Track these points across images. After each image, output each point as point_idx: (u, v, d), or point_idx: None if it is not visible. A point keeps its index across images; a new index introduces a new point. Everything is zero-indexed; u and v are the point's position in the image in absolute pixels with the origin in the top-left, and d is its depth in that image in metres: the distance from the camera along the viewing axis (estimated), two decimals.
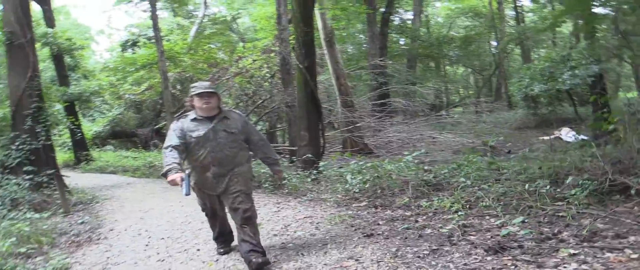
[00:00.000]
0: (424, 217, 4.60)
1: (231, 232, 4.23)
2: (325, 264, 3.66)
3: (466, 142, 10.60)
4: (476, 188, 4.90)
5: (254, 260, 3.54)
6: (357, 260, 3.64)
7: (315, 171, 7.43)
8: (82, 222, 6.22)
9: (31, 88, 9.05)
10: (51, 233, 5.35)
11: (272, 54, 13.93)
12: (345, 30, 22.15)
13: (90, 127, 23.16)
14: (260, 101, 14.78)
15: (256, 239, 3.72)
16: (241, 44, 23.06)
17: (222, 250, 4.16)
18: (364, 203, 5.55)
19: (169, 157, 3.58)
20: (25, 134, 8.87)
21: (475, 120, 15.55)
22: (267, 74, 14.79)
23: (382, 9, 19.70)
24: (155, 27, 12.80)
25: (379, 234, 4.26)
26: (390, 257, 3.58)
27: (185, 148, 3.71)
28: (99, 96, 21.60)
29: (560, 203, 4.11)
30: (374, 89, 16.39)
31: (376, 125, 13.31)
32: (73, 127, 16.32)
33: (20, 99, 8.99)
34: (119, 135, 24.02)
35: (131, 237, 5.32)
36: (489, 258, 3.27)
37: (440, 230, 4.07)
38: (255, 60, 14.77)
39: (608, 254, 3.07)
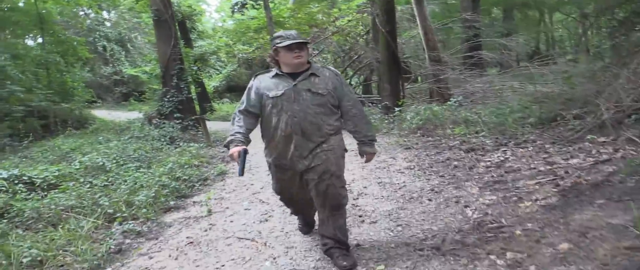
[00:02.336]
0: (446, 139, 6.56)
1: (314, 223, 3.60)
2: (376, 160, 6.04)
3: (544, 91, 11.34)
4: (480, 121, 6.73)
5: (341, 262, 3.03)
6: (393, 158, 6.21)
7: (392, 115, 9.15)
8: (223, 151, 8.63)
9: (174, 54, 11.61)
10: (206, 156, 7.78)
11: (365, 14, 15.32)
12: None
13: (209, 83, 26.41)
14: (356, 57, 16.21)
15: (342, 232, 3.13)
16: (339, 1, 24.41)
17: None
18: (418, 134, 7.52)
19: (235, 125, 3.05)
20: (173, 89, 11.52)
21: (559, 70, 15.74)
22: (362, 31, 16.22)
23: None
24: None
25: (413, 147, 6.68)
26: (412, 156, 6.12)
27: (262, 111, 3.07)
28: (215, 55, 24.67)
29: (527, 127, 5.91)
30: (464, 41, 17.07)
31: (462, 77, 14.26)
32: (199, 81, 19.35)
33: (167, 63, 11.60)
34: (234, 89, 27.15)
35: (260, 157, 7.58)
36: (462, 154, 5.55)
37: (448, 143, 6.29)
38: (350, 21, 16.29)
39: (520, 150, 5.07)
